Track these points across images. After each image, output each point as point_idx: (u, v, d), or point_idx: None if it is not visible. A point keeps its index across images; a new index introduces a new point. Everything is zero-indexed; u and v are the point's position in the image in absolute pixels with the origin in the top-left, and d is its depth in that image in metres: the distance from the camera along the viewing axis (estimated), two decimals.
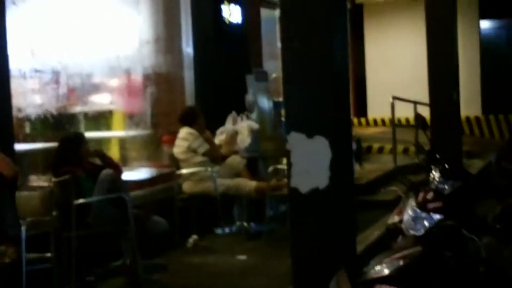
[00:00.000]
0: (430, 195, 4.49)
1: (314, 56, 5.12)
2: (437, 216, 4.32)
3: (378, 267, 4.11)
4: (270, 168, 8.85)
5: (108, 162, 7.34)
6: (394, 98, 12.91)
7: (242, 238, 9.00)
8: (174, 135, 9.17)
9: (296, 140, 5.12)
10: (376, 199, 10.31)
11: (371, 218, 9.16)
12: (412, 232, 4.29)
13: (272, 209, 9.34)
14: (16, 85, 7.37)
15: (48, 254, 6.27)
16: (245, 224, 9.22)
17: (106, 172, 6.92)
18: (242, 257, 8.10)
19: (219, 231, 9.20)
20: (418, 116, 6.52)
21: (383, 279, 4.02)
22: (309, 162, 5.11)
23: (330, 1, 5.17)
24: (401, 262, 4.06)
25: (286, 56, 5.27)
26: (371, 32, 20.38)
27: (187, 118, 8.99)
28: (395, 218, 5.20)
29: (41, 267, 6.17)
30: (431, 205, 4.41)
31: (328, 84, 5.10)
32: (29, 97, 8.17)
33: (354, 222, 5.57)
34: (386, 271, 4.05)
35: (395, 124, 13.20)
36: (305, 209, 5.22)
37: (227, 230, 9.15)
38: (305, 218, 5.24)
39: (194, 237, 8.81)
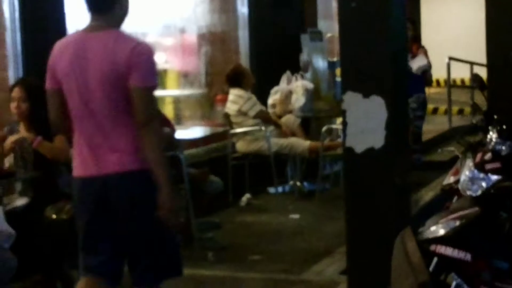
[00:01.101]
0: (488, 156, 4.42)
1: (371, 15, 5.07)
2: (494, 177, 4.25)
3: (433, 228, 4.08)
4: (324, 128, 8.82)
5: (162, 120, 7.36)
6: (450, 58, 12.78)
7: (295, 197, 9.05)
8: (228, 94, 9.18)
9: (352, 100, 5.09)
10: (431, 160, 10.26)
11: (426, 179, 9.12)
12: (469, 193, 4.23)
13: (325, 168, 9.35)
14: None
15: None
16: (298, 183, 9.25)
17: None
18: (295, 216, 8.13)
19: (272, 190, 9.25)
20: (476, 77, 6.43)
21: (439, 240, 3.99)
22: (364, 122, 5.08)
23: None
24: (457, 223, 4.03)
25: (343, 15, 5.23)
26: None
27: (233, 79, 8.97)
28: (450, 179, 5.15)
29: None
30: (489, 166, 4.35)
31: (385, 44, 5.05)
32: None
33: (409, 182, 5.54)
34: (442, 232, 4.02)
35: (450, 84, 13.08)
36: (360, 169, 5.20)
37: (280, 189, 9.18)
38: (360, 178, 5.23)
39: (248, 195, 8.86)
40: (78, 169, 4.13)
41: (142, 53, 3.95)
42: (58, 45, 4.21)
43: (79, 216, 4.25)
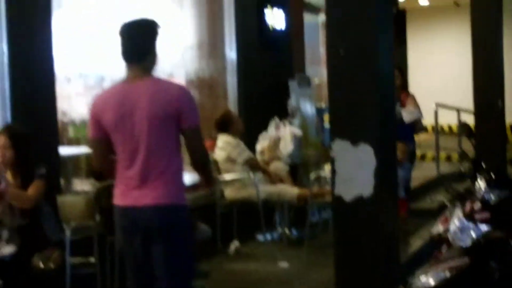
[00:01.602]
0: (477, 205, 4.42)
1: (358, 63, 5.09)
2: (484, 227, 4.26)
3: (423, 278, 4.07)
4: (312, 175, 8.79)
5: None
6: (438, 105, 12.82)
7: (284, 245, 8.98)
8: (216, 140, 9.17)
9: (340, 148, 5.10)
10: (418, 208, 10.21)
11: (414, 227, 9.09)
12: (458, 243, 4.23)
13: (314, 216, 9.31)
14: (60, 89, 7.40)
15: (92, 259, 6.29)
16: (286, 230, 9.19)
17: None
18: (284, 264, 8.06)
19: (260, 237, 9.19)
20: (463, 124, 6.46)
21: None
22: (353, 170, 5.08)
23: (376, 8, 5.13)
24: (448, 274, 4.02)
25: (331, 63, 5.25)
26: (413, 38, 20.29)
27: (222, 124, 8.98)
28: (439, 228, 5.14)
29: (85, 271, 6.19)
30: (478, 216, 4.35)
31: (373, 92, 5.07)
32: (73, 101, 8.22)
33: (397, 231, 5.52)
34: (432, 282, 4.01)
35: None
36: (349, 217, 5.19)
37: (268, 236, 9.12)
38: (349, 226, 5.21)
39: (236, 243, 8.79)
40: (119, 199, 4.69)
41: (188, 96, 4.56)
42: (101, 97, 4.77)
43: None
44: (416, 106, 9.67)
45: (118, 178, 4.67)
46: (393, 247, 5.31)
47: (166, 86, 4.61)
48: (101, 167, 4.89)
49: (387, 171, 5.14)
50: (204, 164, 4.66)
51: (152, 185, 4.51)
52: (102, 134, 4.62)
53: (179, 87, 4.71)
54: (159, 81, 4.65)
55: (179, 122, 4.47)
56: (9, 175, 5.90)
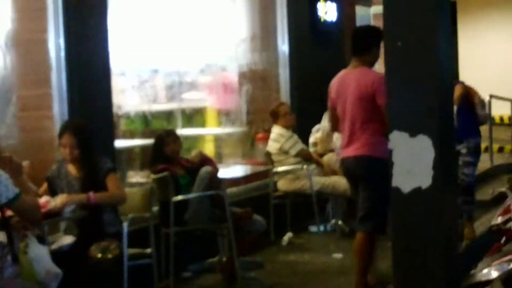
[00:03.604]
0: None
1: (417, 54, 5.04)
2: None
3: (486, 270, 4.03)
4: None
5: (205, 159, 7.38)
6: (492, 96, 12.69)
7: (337, 236, 8.99)
8: (268, 132, 9.19)
9: (398, 139, 5.05)
10: None
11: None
12: None
13: None
14: (115, 83, 7.46)
15: (148, 250, 6.34)
16: (340, 222, 9.18)
17: (206, 169, 6.96)
18: (338, 255, 8.07)
19: (313, 229, 9.20)
20: None
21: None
22: (411, 162, 5.03)
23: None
24: (511, 265, 3.97)
25: (389, 54, 5.20)
26: (464, 29, 20.07)
27: (275, 116, 9.02)
28: (498, 219, 5.09)
29: (141, 262, 6.24)
30: None
31: (432, 82, 5.02)
32: (127, 94, 8.29)
33: (456, 222, 5.48)
34: (495, 274, 3.97)
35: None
36: (407, 209, 5.14)
37: (322, 228, 9.13)
38: (407, 218, 5.17)
39: (289, 234, 8.82)
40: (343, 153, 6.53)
41: (380, 82, 5.90)
42: (335, 78, 6.63)
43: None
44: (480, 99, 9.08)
45: (342, 135, 6.56)
46: (453, 238, 5.25)
47: (367, 74, 6.19)
48: (332, 127, 6.92)
49: (446, 163, 5.08)
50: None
51: (354, 143, 6.28)
52: (332, 104, 6.58)
53: (375, 75, 6.21)
54: (364, 70, 6.27)
55: (374, 100, 6.12)
56: (73, 169, 5.99)
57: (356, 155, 6.30)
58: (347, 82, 6.35)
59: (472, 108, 8.38)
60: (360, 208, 6.43)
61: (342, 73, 6.60)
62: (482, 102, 8.58)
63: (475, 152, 8.53)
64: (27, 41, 6.96)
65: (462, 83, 8.46)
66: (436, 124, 5.01)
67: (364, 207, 6.35)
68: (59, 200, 5.61)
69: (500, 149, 14.46)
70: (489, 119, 9.50)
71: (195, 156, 7.34)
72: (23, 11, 6.96)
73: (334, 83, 6.58)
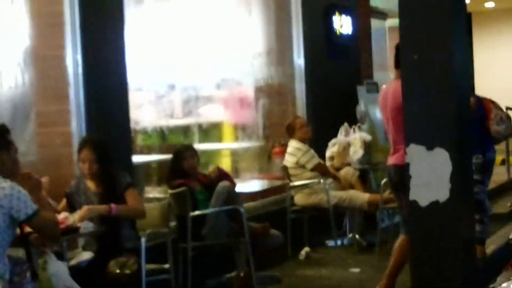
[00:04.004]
0: None
1: (434, 67, 5.04)
2: None
3: (505, 284, 4.01)
4: (383, 180, 8.75)
5: (222, 174, 7.40)
6: (508, 108, 12.63)
7: (354, 250, 8.95)
8: (285, 146, 9.19)
9: (415, 152, 5.05)
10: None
11: None
12: None
13: (384, 221, 9.27)
14: (132, 98, 7.49)
15: (166, 265, 6.35)
16: (357, 236, 9.16)
17: (223, 184, 6.98)
18: (355, 269, 8.04)
19: (331, 243, 9.18)
20: None
21: None
22: (428, 175, 5.03)
23: (450, 12, 5.09)
24: None
25: (406, 68, 5.21)
26: (479, 41, 20.06)
27: (291, 130, 9.03)
28: None
29: (159, 278, 6.25)
30: None
31: (449, 95, 5.02)
32: (144, 109, 8.32)
33: (474, 235, 5.46)
34: None
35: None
36: (425, 222, 5.14)
37: (339, 242, 9.11)
38: (425, 232, 5.16)
39: (306, 249, 8.80)
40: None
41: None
42: (381, 89, 7.40)
43: None
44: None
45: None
46: (471, 252, 5.24)
47: (397, 86, 5.87)
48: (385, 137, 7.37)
49: (463, 176, 5.07)
50: None
51: (396, 151, 6.46)
52: (382, 114, 6.92)
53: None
54: (398, 82, 5.97)
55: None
56: (92, 185, 6.02)
57: (396, 164, 6.45)
58: (387, 94, 6.63)
59: (483, 122, 7.89)
60: (403, 213, 6.62)
61: (386, 84, 7.21)
62: (500, 117, 8.02)
63: (483, 169, 7.93)
64: (45, 57, 7.00)
65: (476, 96, 8.25)
66: (453, 137, 5.01)
67: (406, 212, 6.35)
68: (81, 211, 5.65)
69: None
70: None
71: (212, 171, 7.36)
72: (41, 28, 7.00)
73: (380, 94, 7.10)
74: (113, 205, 5.79)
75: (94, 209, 5.74)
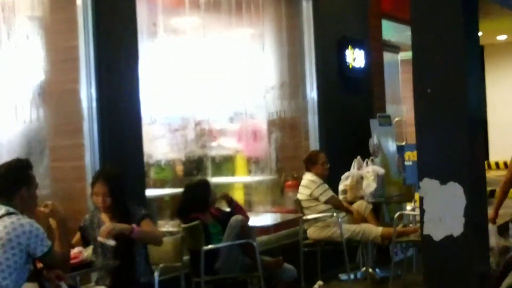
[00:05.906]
0: None
1: (447, 101, 5.05)
2: None
3: None
4: (396, 214, 8.73)
5: (235, 207, 7.40)
6: None
7: (368, 284, 8.92)
8: (298, 180, 9.20)
9: (429, 187, 5.04)
10: (504, 245, 10.01)
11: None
12: None
13: (398, 254, 9.23)
14: (145, 131, 7.53)
15: None
16: (370, 269, 9.13)
17: (237, 218, 6.98)
18: None
19: (344, 277, 9.14)
20: None
21: None
22: (442, 209, 5.02)
23: (464, 45, 5.10)
24: None
25: (419, 101, 5.22)
26: (492, 74, 20.09)
27: (308, 163, 9.02)
28: None
29: None
30: None
31: (462, 130, 5.01)
32: (158, 143, 8.35)
33: (489, 270, 5.43)
34: None
35: None
36: (439, 256, 5.12)
37: (352, 276, 9.07)
38: (439, 266, 5.14)
39: (320, 282, 8.76)
40: None
41: None
42: None
43: None
44: None
45: None
46: (485, 286, 5.21)
47: None
48: None
49: (477, 210, 5.06)
50: None
51: None
52: None
53: None
54: None
55: None
56: (106, 218, 6.02)
57: None
58: None
59: None
60: None
61: None
62: None
63: None
64: (59, 91, 7.05)
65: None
66: (467, 171, 5.00)
67: None
68: (105, 226, 5.66)
69: None
70: None
71: (222, 196, 7.39)
72: (55, 62, 7.06)
73: None
74: (135, 226, 5.78)
75: (117, 226, 5.73)
